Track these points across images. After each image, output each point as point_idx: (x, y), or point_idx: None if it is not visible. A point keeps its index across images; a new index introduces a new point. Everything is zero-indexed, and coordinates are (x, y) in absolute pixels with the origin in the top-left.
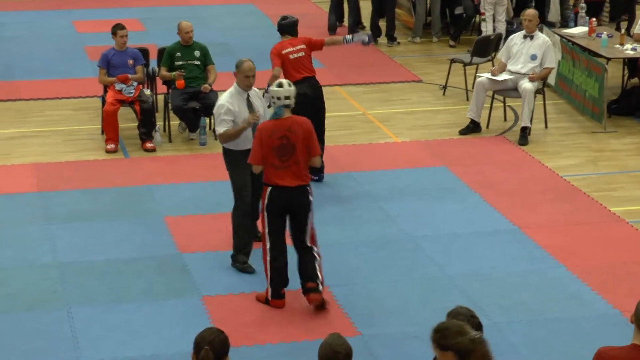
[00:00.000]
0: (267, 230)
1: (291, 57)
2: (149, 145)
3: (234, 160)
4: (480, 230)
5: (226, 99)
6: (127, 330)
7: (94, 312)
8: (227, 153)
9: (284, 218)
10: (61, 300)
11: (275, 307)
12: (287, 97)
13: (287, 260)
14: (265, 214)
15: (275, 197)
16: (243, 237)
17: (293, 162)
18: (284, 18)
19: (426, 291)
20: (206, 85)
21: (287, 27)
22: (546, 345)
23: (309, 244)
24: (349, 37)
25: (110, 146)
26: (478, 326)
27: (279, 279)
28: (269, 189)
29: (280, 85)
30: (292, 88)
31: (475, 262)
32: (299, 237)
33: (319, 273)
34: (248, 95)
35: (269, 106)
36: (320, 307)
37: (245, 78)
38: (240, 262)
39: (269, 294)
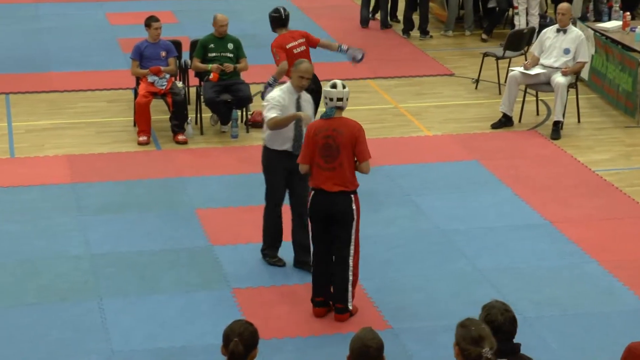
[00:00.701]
0: (310, 236)
1: (295, 51)
2: (180, 137)
3: (269, 163)
4: (512, 225)
5: (278, 91)
6: (158, 322)
7: (125, 304)
8: (264, 153)
9: (327, 225)
10: (92, 291)
11: (314, 316)
12: (339, 99)
13: (327, 268)
14: (309, 219)
15: (316, 202)
16: (273, 233)
17: (338, 164)
18: (277, 11)
19: (457, 285)
20: (229, 65)
21: (284, 20)
22: (577, 340)
23: (349, 261)
24: (344, 46)
25: (143, 138)
26: (512, 320)
27: (316, 289)
28: (312, 192)
29: (333, 86)
30: (346, 90)
31: (506, 257)
32: (338, 248)
33: (350, 295)
34: (299, 97)
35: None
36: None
37: (299, 78)
38: (270, 256)
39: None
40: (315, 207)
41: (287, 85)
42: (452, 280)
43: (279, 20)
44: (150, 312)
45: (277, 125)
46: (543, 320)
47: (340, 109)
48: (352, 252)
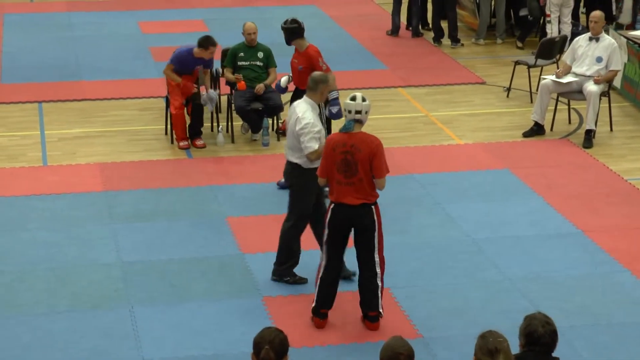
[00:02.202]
0: (325, 247)
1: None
2: (198, 142)
3: (304, 182)
4: (543, 233)
5: (310, 114)
6: (189, 330)
7: (156, 311)
8: (300, 172)
9: (346, 237)
10: (124, 299)
11: (315, 326)
12: (357, 112)
13: (337, 279)
14: (327, 230)
15: (337, 214)
16: (296, 251)
17: (357, 180)
18: (296, 21)
19: (487, 294)
20: (260, 85)
21: (303, 31)
22: (609, 350)
23: (376, 270)
24: (284, 80)
25: (184, 143)
26: (552, 333)
27: (323, 299)
28: (332, 205)
29: (353, 99)
30: (366, 103)
31: (537, 265)
32: (363, 259)
33: (380, 302)
34: (320, 112)
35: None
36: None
37: (326, 92)
38: (291, 275)
39: (312, 308)
40: (336, 220)
41: (310, 102)
42: (483, 289)
43: (298, 30)
44: (181, 320)
45: (320, 156)
46: (574, 330)
47: (360, 122)
48: (377, 259)
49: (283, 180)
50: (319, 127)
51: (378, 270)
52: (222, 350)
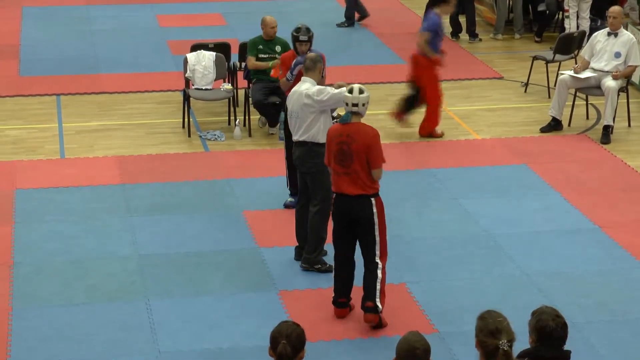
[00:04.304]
0: (333, 238)
1: None
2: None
3: (322, 161)
4: (561, 229)
5: (315, 85)
6: (205, 323)
7: (173, 304)
8: (317, 152)
9: (349, 228)
10: (140, 291)
11: (336, 316)
12: (354, 104)
13: (350, 270)
14: (332, 221)
15: (339, 205)
16: (324, 238)
17: (353, 170)
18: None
19: (504, 289)
20: (276, 61)
21: None
22: (627, 346)
23: (377, 260)
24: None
25: None
26: (563, 326)
27: (338, 289)
28: (334, 195)
29: (350, 91)
30: (363, 95)
31: (554, 261)
32: (364, 251)
33: (378, 293)
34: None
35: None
36: (377, 327)
37: (322, 78)
38: (322, 263)
39: (332, 299)
40: (337, 210)
41: (310, 80)
42: (500, 285)
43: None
44: (197, 313)
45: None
46: (591, 326)
47: (357, 114)
48: (378, 252)
49: (289, 200)
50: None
51: (379, 261)
52: (238, 344)
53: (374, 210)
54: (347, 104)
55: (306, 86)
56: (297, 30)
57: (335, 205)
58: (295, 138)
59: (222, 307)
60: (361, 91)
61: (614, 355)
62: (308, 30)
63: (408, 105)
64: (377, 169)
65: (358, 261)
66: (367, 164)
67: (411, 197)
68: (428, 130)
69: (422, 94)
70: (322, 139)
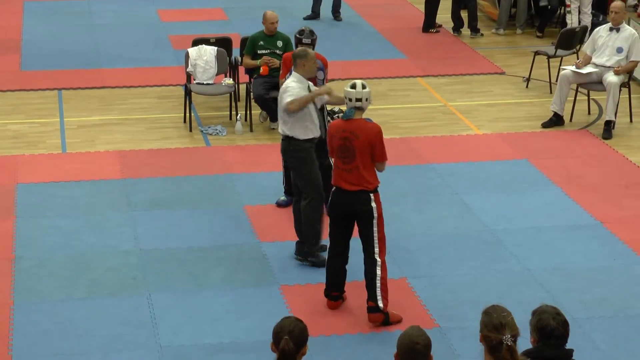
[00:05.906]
0: (328, 231)
1: None
2: None
3: (304, 154)
4: (562, 225)
5: (295, 84)
6: (206, 318)
7: (174, 299)
8: (295, 147)
9: (346, 222)
10: (141, 286)
11: (328, 308)
12: (358, 99)
13: (342, 265)
14: (329, 215)
15: (335, 199)
16: (319, 230)
17: (355, 167)
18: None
19: (505, 285)
20: (276, 60)
21: None
22: (628, 342)
23: (376, 257)
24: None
25: None
26: (564, 324)
27: (329, 282)
28: (333, 189)
29: (353, 87)
30: (366, 90)
31: (556, 257)
32: (364, 246)
33: (379, 291)
34: (309, 86)
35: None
36: (384, 323)
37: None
38: (315, 256)
39: (323, 291)
40: (335, 204)
41: (297, 76)
42: (501, 280)
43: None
44: (199, 308)
45: (299, 104)
46: (593, 322)
47: (360, 109)
48: (377, 249)
49: (281, 199)
50: (297, 90)
51: (378, 258)
52: (239, 338)
53: (373, 205)
54: (350, 100)
55: (289, 81)
56: (301, 32)
57: (332, 199)
58: (279, 131)
59: (223, 302)
60: (364, 86)
61: (614, 350)
62: (312, 33)
63: None
64: (381, 162)
65: (358, 257)
66: (371, 158)
67: (412, 192)
68: None
69: None
70: (300, 135)
